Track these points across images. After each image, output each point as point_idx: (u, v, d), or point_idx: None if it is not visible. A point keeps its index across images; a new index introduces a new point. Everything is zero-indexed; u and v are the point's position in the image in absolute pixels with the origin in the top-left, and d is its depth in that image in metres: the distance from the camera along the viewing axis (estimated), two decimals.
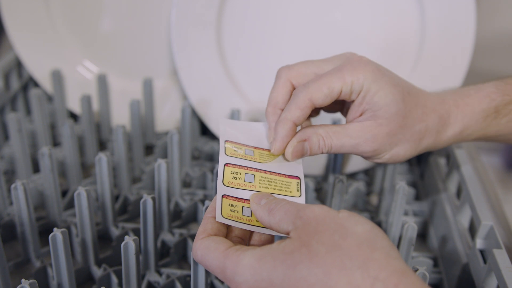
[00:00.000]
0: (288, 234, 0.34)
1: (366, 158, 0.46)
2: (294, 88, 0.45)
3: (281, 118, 0.43)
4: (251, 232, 0.39)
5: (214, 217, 0.38)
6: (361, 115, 0.44)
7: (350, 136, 0.44)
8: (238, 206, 0.38)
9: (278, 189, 0.40)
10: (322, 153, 0.44)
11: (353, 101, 0.44)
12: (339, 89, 0.42)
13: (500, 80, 0.49)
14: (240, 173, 0.40)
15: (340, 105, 0.48)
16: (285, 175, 0.41)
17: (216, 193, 0.39)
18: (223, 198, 0.38)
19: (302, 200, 0.40)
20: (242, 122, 0.46)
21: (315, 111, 0.48)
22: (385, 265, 0.30)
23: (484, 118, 0.47)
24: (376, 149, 0.44)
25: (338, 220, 0.33)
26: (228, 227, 0.38)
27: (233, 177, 0.39)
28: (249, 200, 0.38)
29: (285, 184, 0.40)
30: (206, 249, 0.35)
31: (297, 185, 0.40)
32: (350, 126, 0.44)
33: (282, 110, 0.44)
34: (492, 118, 0.47)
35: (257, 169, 0.41)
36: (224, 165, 0.40)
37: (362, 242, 0.31)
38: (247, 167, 0.40)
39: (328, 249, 0.31)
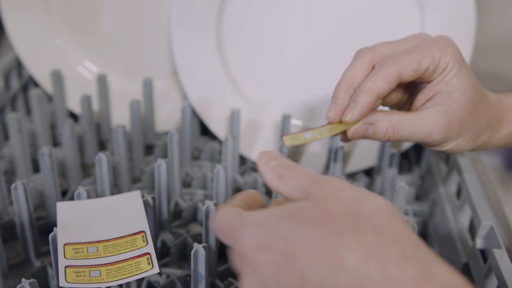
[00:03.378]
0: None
1: (429, 146, 0.45)
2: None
3: (364, 87, 0.41)
4: None
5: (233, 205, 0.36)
6: (431, 98, 0.43)
7: (424, 123, 0.42)
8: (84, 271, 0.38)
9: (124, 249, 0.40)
10: (388, 140, 0.42)
11: (429, 82, 0.42)
12: (427, 65, 0.41)
13: None
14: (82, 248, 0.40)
15: (401, 93, 0.46)
16: (129, 234, 0.41)
17: None
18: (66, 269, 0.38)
19: (150, 248, 0.40)
20: (80, 202, 0.44)
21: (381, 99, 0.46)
22: (401, 233, 0.29)
23: None
24: (446, 136, 0.43)
25: (357, 190, 0.31)
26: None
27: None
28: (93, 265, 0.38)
29: (130, 242, 0.40)
30: (225, 211, 0.33)
31: (143, 237, 0.41)
32: (422, 112, 0.42)
33: (355, 90, 0.42)
34: None
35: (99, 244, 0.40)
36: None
37: (380, 211, 0.30)
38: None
39: (344, 213, 0.29)
